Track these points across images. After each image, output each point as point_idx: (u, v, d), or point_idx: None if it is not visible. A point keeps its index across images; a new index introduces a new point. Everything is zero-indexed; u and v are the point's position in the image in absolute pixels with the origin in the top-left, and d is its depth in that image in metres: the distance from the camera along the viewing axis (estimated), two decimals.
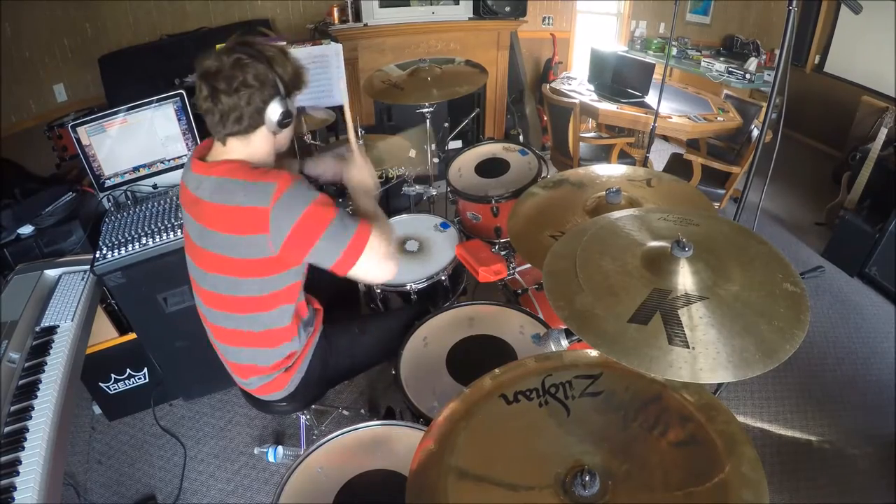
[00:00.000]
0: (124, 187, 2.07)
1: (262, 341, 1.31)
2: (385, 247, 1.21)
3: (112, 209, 2.03)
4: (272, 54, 1.15)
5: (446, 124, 2.80)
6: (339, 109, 2.62)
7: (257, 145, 1.20)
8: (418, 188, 2.41)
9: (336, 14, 3.31)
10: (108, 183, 2.06)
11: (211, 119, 1.15)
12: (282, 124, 1.19)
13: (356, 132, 1.55)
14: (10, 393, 1.30)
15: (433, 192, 2.44)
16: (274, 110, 1.16)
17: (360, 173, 1.39)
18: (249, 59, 1.11)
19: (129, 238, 1.82)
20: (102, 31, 3.10)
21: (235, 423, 2.15)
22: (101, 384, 2.07)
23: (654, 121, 2.77)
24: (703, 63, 4.21)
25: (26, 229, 1.94)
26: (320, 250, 1.14)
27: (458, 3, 3.48)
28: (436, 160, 2.47)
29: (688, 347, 0.81)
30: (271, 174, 1.13)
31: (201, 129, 2.15)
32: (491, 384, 0.95)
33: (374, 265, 1.20)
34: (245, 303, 1.24)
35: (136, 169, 2.09)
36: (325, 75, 2.55)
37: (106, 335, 2.00)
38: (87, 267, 1.77)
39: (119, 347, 2.02)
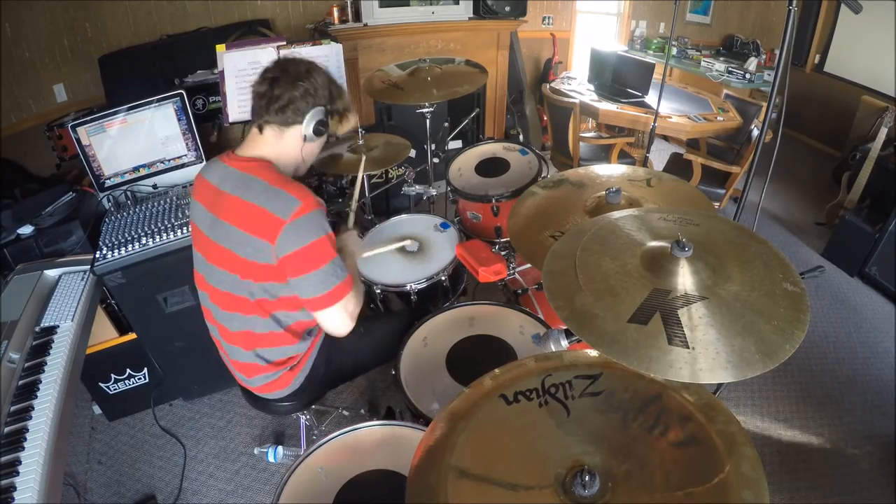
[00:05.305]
0: (124, 187, 2.08)
1: (266, 341, 1.32)
2: (353, 307, 1.28)
3: (112, 209, 2.03)
4: (339, 83, 1.33)
5: (446, 124, 2.79)
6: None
7: (288, 143, 1.27)
8: (418, 188, 2.41)
9: (336, 14, 3.30)
10: (108, 183, 2.06)
11: (257, 103, 1.24)
12: (316, 132, 1.27)
13: (358, 202, 1.71)
14: (10, 393, 1.30)
15: (433, 192, 2.44)
16: (314, 115, 1.25)
17: (349, 238, 1.48)
18: (322, 69, 1.28)
19: (129, 238, 1.82)
20: (102, 31, 3.09)
21: (235, 423, 2.15)
22: (101, 384, 2.07)
23: (654, 121, 2.77)
24: (703, 63, 4.22)
25: (26, 229, 1.94)
26: (308, 281, 1.19)
27: (457, 3, 3.47)
28: (436, 160, 2.47)
29: (687, 347, 0.81)
30: (297, 188, 1.17)
31: (201, 130, 2.15)
32: (491, 384, 0.95)
33: (339, 318, 1.26)
34: (248, 303, 1.26)
35: (136, 169, 2.10)
36: None
37: (106, 335, 2.00)
38: (87, 267, 1.77)
39: (119, 347, 2.02)
